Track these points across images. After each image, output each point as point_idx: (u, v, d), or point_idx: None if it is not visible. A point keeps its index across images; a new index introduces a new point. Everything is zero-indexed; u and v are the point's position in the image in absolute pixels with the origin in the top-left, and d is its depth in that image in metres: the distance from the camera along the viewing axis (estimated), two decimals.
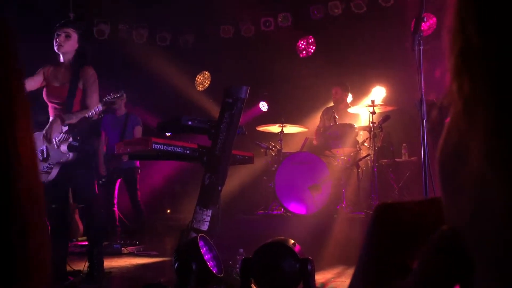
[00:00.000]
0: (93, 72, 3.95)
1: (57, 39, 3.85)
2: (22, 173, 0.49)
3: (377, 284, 0.44)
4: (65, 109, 3.82)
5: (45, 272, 0.50)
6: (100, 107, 3.77)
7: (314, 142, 6.43)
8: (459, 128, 0.39)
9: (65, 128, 3.76)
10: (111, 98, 3.80)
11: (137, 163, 6.50)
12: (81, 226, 6.52)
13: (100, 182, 6.49)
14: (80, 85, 3.88)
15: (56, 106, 3.87)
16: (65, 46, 3.88)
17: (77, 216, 6.48)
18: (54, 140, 3.75)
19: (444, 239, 0.39)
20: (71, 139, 3.77)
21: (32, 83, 3.86)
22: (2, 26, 0.51)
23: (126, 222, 6.68)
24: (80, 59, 3.94)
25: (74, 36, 3.92)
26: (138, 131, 6.50)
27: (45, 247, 0.51)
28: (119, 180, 6.47)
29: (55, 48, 3.88)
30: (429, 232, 0.41)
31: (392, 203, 0.48)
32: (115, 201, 6.50)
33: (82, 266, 4.25)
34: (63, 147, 3.75)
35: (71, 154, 3.77)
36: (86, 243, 5.67)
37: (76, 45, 3.94)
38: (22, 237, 0.49)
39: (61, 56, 3.92)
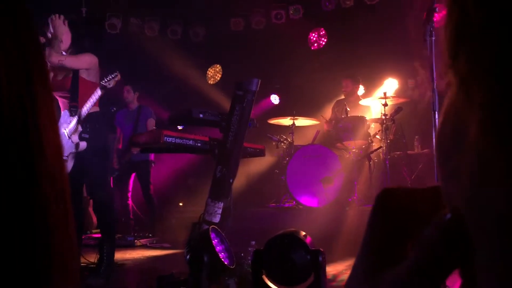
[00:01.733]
0: (91, 56, 3.89)
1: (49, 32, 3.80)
2: (46, 165, 0.47)
3: (377, 272, 0.44)
4: (70, 101, 3.83)
5: (72, 275, 0.49)
6: (99, 92, 3.73)
7: (325, 127, 6.37)
8: (456, 108, 0.38)
9: (73, 119, 3.78)
10: (107, 80, 3.77)
11: (151, 156, 6.55)
12: (94, 219, 6.59)
13: (114, 175, 6.56)
14: (82, 75, 3.86)
15: (64, 99, 3.88)
16: (64, 42, 3.84)
17: (90, 209, 6.55)
18: (65, 131, 3.78)
19: (444, 223, 0.39)
20: (80, 128, 3.78)
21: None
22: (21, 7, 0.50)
23: (140, 215, 6.74)
24: (78, 47, 3.92)
25: (66, 29, 3.89)
26: (151, 123, 6.55)
27: (71, 246, 0.50)
28: (133, 174, 6.53)
29: None
30: (432, 218, 0.41)
31: (395, 189, 0.47)
32: (129, 194, 6.57)
33: (96, 258, 4.31)
34: (75, 138, 3.77)
35: (83, 144, 3.78)
36: (99, 235, 5.73)
37: (70, 37, 3.90)
38: (45, 238, 0.47)
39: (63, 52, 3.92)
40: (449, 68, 0.38)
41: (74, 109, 3.77)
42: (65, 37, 3.88)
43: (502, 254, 0.33)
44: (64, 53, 3.90)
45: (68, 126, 3.78)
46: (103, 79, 3.77)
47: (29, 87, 0.47)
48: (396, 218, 0.45)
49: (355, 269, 0.48)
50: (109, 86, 3.73)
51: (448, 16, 0.38)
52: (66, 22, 3.88)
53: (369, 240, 0.47)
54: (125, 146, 6.44)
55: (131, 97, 6.67)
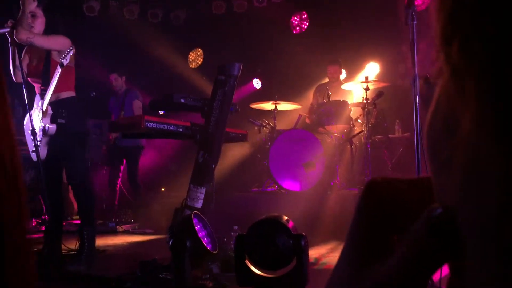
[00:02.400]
0: (63, 37, 3.80)
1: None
2: None
3: (362, 265, 0.43)
4: (41, 85, 3.77)
5: (26, 268, 0.46)
6: (59, 69, 3.64)
7: (307, 120, 6.41)
8: (449, 98, 0.37)
9: (42, 101, 3.70)
10: (63, 56, 3.66)
11: (143, 141, 6.51)
12: (75, 205, 6.53)
13: (101, 162, 6.51)
14: (54, 58, 3.79)
15: (39, 85, 3.81)
16: (36, 27, 3.76)
17: (70, 195, 6.48)
18: (38, 115, 3.71)
19: (432, 217, 0.38)
20: (50, 111, 3.70)
21: (26, 69, 3.79)
22: None
23: (131, 199, 6.69)
24: (51, 32, 3.82)
25: (40, 13, 3.81)
26: (137, 105, 6.49)
27: (25, 238, 0.47)
28: (124, 160, 6.49)
29: None
30: (421, 211, 0.40)
31: (383, 179, 0.46)
32: (119, 180, 6.53)
33: (76, 244, 4.27)
34: (45, 121, 3.70)
35: (53, 127, 3.69)
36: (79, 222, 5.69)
37: (44, 21, 3.83)
38: None
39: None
40: (441, 55, 0.37)
41: (44, 92, 3.71)
42: (39, 21, 3.79)
43: (496, 253, 0.32)
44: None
45: (40, 110, 3.71)
46: (61, 56, 3.68)
47: None
48: (383, 210, 0.44)
49: (340, 261, 0.47)
50: (66, 62, 3.64)
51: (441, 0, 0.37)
52: (40, 6, 3.78)
53: (355, 232, 0.46)
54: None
55: (119, 83, 6.62)
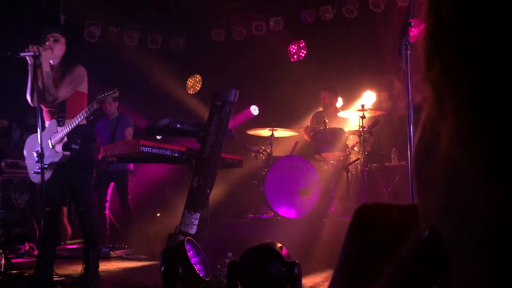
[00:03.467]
0: (81, 69, 3.97)
1: (47, 43, 3.81)
2: None
3: (354, 286, 0.43)
4: (58, 111, 3.85)
5: None
6: (94, 106, 3.75)
7: (305, 136, 6.40)
8: (431, 119, 0.38)
9: (60, 129, 3.78)
10: (105, 95, 3.79)
11: (130, 166, 6.48)
12: (69, 230, 6.47)
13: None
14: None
15: (51, 109, 3.90)
16: (55, 50, 3.87)
17: (65, 219, 6.43)
18: (49, 141, 3.77)
19: (421, 240, 0.38)
20: (65, 139, 3.78)
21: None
22: None
23: (117, 225, 6.64)
24: (68, 60, 3.95)
25: (62, 40, 3.94)
26: (129, 133, 6.48)
27: None
28: (111, 184, 6.45)
29: None
30: (409, 236, 0.40)
31: (373, 205, 0.47)
32: (107, 204, 6.47)
33: (70, 270, 4.23)
34: (58, 147, 3.76)
35: (63, 154, 3.76)
36: (74, 246, 5.63)
37: (64, 49, 3.97)
38: None
39: (51, 60, 3.90)
40: (425, 81, 0.38)
41: (61, 119, 3.79)
42: (60, 47, 3.94)
43: (479, 274, 0.32)
44: (51, 61, 3.89)
45: (55, 135, 3.77)
46: (101, 94, 3.79)
47: None
48: (373, 235, 0.45)
49: (331, 285, 0.47)
50: (105, 101, 3.78)
51: (425, 26, 0.38)
52: (63, 34, 3.90)
53: (346, 256, 0.46)
54: (103, 156, 6.36)
55: (112, 109, 6.61)
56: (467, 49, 0.35)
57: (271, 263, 2.35)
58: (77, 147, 3.80)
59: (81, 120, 3.79)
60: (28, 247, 5.84)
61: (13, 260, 5.02)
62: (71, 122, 3.78)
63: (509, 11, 0.33)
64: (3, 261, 4.59)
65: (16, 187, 6.33)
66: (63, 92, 3.83)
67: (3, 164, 6.64)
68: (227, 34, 8.15)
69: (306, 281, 3.68)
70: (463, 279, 0.35)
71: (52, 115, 3.89)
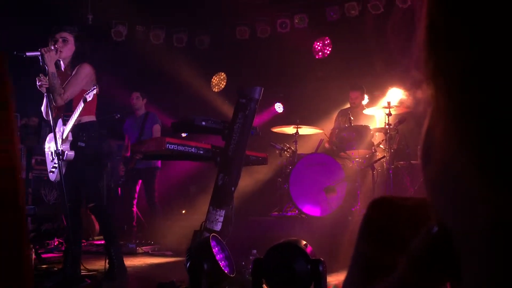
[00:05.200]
0: (88, 68, 3.93)
1: (55, 45, 3.82)
2: None
3: (365, 283, 0.43)
4: (64, 110, 3.89)
5: (19, 271, 0.48)
6: (81, 104, 3.75)
7: (326, 144, 6.39)
8: (430, 119, 0.38)
9: (64, 127, 3.81)
10: (88, 93, 3.78)
11: (158, 163, 6.56)
12: (97, 225, 6.59)
13: (120, 182, 6.59)
14: None
15: (60, 110, 3.94)
16: (64, 52, 3.88)
17: (93, 216, 6.55)
18: (58, 140, 3.82)
19: (430, 236, 0.38)
20: (70, 137, 3.81)
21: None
22: None
23: (144, 222, 6.74)
24: (78, 59, 3.95)
25: (71, 39, 3.93)
26: (157, 130, 6.56)
27: (17, 243, 0.49)
28: (139, 181, 6.54)
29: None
30: (421, 230, 0.40)
31: (385, 199, 0.47)
32: (135, 201, 6.57)
33: (98, 265, 4.31)
34: (65, 146, 3.80)
35: (71, 154, 3.79)
36: (102, 242, 5.75)
37: (73, 48, 3.95)
38: None
39: (61, 61, 3.96)
40: (426, 84, 0.38)
41: (66, 119, 3.83)
42: (68, 47, 3.93)
43: (488, 273, 0.32)
44: (62, 64, 3.94)
45: (61, 134, 3.83)
46: (86, 93, 3.80)
47: None
48: (385, 229, 0.45)
49: (345, 280, 0.47)
50: (89, 99, 3.78)
51: (424, 26, 0.39)
52: (72, 33, 3.92)
53: (359, 251, 0.46)
54: (131, 153, 6.46)
55: (140, 103, 6.69)
56: (459, 53, 0.35)
57: (296, 260, 2.35)
58: (83, 144, 3.81)
59: (73, 120, 3.78)
60: (57, 242, 5.98)
61: (43, 255, 5.14)
62: (69, 121, 3.80)
63: (499, 22, 0.34)
64: (33, 256, 4.71)
65: (45, 183, 6.49)
66: (70, 92, 3.83)
67: (33, 161, 6.81)
68: (251, 32, 8.16)
69: (331, 279, 3.66)
70: (472, 276, 0.34)
71: (58, 111, 3.92)
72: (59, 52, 3.83)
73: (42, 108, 3.99)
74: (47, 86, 3.72)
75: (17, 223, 0.48)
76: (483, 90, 0.33)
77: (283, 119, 6.98)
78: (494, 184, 0.32)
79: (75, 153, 3.80)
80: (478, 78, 0.33)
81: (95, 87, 3.82)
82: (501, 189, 0.31)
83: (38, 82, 3.76)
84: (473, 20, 0.35)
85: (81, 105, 3.75)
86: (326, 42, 8.02)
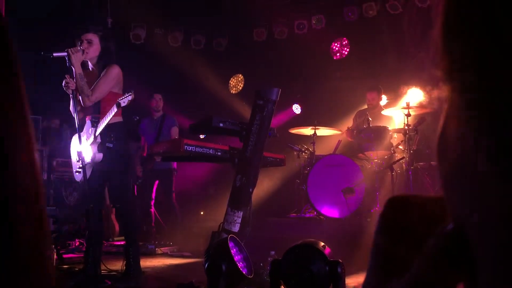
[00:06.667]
0: (116, 69, 3.97)
1: (81, 47, 3.86)
2: (15, 173, 0.47)
3: (382, 280, 0.43)
4: (92, 112, 3.92)
5: (40, 270, 0.49)
6: (115, 109, 3.77)
7: (348, 138, 6.35)
8: (446, 115, 0.38)
9: (93, 129, 3.85)
10: (123, 98, 3.79)
11: (174, 164, 6.60)
12: (117, 226, 6.66)
13: (137, 183, 6.65)
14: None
15: (87, 108, 3.97)
16: (90, 53, 3.91)
17: (113, 216, 6.63)
18: (87, 141, 3.86)
19: (446, 234, 0.38)
20: (99, 139, 3.84)
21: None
22: None
23: (162, 223, 6.79)
24: (104, 60, 3.98)
25: (96, 40, 3.95)
26: (175, 132, 6.61)
27: (43, 263, 0.49)
28: (156, 182, 6.59)
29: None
30: (438, 225, 0.40)
31: (402, 198, 0.47)
32: (152, 202, 6.63)
33: (118, 265, 4.36)
34: (94, 148, 3.84)
35: (100, 156, 3.83)
36: (122, 243, 5.80)
37: (99, 49, 3.97)
38: (14, 256, 0.46)
39: (88, 61, 4.01)
40: (439, 66, 0.39)
41: (95, 120, 3.85)
42: (94, 48, 3.95)
43: (505, 273, 0.32)
44: (90, 64, 3.99)
45: (89, 136, 3.86)
46: (121, 98, 3.83)
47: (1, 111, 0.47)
48: (402, 227, 0.45)
49: (365, 279, 0.47)
50: (123, 105, 3.79)
51: (440, 22, 0.39)
52: (97, 34, 3.96)
53: (376, 250, 0.46)
54: (149, 154, 6.51)
55: (161, 105, 6.75)
56: (471, 55, 0.35)
57: (314, 262, 2.34)
58: (111, 145, 3.82)
59: (104, 124, 3.81)
60: (78, 243, 6.06)
61: (64, 256, 5.21)
62: (100, 123, 3.83)
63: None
64: (55, 257, 4.78)
65: (67, 185, 6.59)
66: (98, 93, 3.87)
67: (54, 163, 6.93)
68: (269, 33, 8.16)
69: (350, 281, 3.64)
70: (488, 274, 0.34)
71: (86, 112, 3.96)
72: (85, 53, 3.87)
73: (71, 109, 4.02)
74: (73, 87, 3.77)
75: (38, 221, 0.49)
76: (498, 87, 0.33)
77: (301, 120, 6.97)
78: (510, 182, 0.32)
79: (103, 154, 3.84)
80: (493, 75, 0.33)
81: (130, 93, 3.83)
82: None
83: (64, 83, 3.81)
84: (488, 17, 0.35)
85: (114, 110, 3.77)
86: (344, 43, 7.98)
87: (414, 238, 0.44)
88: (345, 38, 7.96)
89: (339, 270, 2.33)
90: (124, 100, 3.79)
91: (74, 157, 4.03)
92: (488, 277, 0.34)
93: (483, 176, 0.33)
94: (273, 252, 3.85)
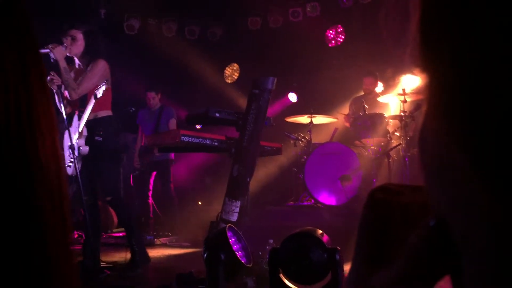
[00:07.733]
0: (102, 63, 3.95)
1: (65, 44, 3.83)
2: (42, 173, 0.47)
3: (366, 275, 0.43)
4: (79, 106, 3.93)
5: (69, 281, 0.49)
6: (92, 101, 3.78)
7: (347, 124, 6.35)
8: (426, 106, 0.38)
9: (79, 123, 3.85)
10: (97, 89, 3.79)
11: (172, 155, 6.60)
12: (115, 218, 6.67)
13: (135, 174, 6.65)
14: None
15: (75, 103, 3.99)
16: (73, 49, 3.90)
17: (111, 208, 6.63)
18: (73, 135, 3.86)
19: (428, 229, 0.38)
20: (85, 133, 3.84)
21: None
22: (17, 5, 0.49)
23: (160, 214, 6.81)
24: (89, 55, 3.96)
25: (79, 36, 3.93)
26: (173, 124, 6.60)
27: (68, 255, 0.49)
28: (154, 173, 6.60)
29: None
30: (421, 217, 0.40)
31: (384, 190, 0.47)
32: (150, 193, 6.63)
33: (117, 257, 4.37)
34: (80, 141, 3.84)
35: (86, 149, 3.83)
36: (120, 234, 5.81)
37: (83, 45, 3.94)
38: (41, 248, 0.46)
39: (75, 58, 3.99)
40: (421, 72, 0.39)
41: (82, 114, 3.88)
42: (78, 43, 3.93)
43: (488, 269, 0.32)
44: (76, 61, 3.97)
45: (76, 129, 3.87)
46: (96, 88, 3.82)
47: (27, 93, 0.46)
48: (385, 221, 0.44)
49: (349, 272, 0.47)
50: (99, 96, 3.79)
51: (417, 17, 0.39)
52: (80, 29, 3.93)
53: (359, 243, 0.46)
54: (146, 146, 6.51)
55: (156, 102, 6.72)
56: (449, 59, 0.36)
57: (312, 249, 2.35)
58: (100, 139, 3.85)
59: (87, 116, 3.81)
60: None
61: None
62: (83, 116, 3.83)
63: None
64: None
65: None
66: (84, 86, 3.86)
67: None
68: (263, 22, 8.11)
69: (348, 267, 3.66)
70: (473, 272, 0.34)
71: (73, 107, 3.97)
72: (68, 49, 3.85)
73: (56, 104, 4.02)
74: (59, 83, 3.76)
75: (62, 215, 0.48)
76: (474, 79, 0.33)
77: (297, 109, 6.96)
78: (489, 180, 0.32)
79: (92, 147, 3.84)
80: (469, 68, 0.33)
81: (104, 83, 3.83)
82: (497, 186, 0.31)
83: (49, 78, 3.79)
84: (466, 12, 0.34)
85: (92, 101, 3.78)
86: (339, 30, 7.95)
87: (398, 230, 0.44)
88: (340, 25, 7.92)
89: (337, 257, 2.34)
90: (99, 91, 3.79)
91: (64, 151, 4.05)
92: (473, 272, 0.34)
93: (461, 167, 0.33)
94: (271, 241, 3.87)
